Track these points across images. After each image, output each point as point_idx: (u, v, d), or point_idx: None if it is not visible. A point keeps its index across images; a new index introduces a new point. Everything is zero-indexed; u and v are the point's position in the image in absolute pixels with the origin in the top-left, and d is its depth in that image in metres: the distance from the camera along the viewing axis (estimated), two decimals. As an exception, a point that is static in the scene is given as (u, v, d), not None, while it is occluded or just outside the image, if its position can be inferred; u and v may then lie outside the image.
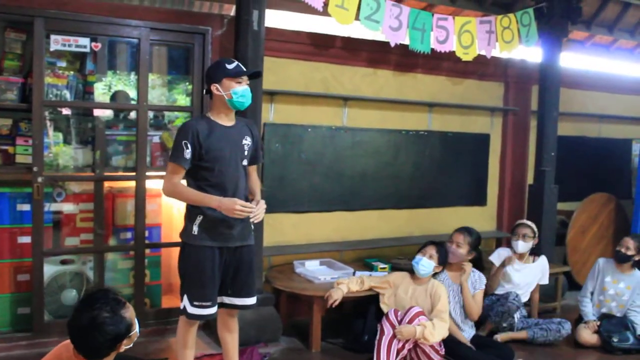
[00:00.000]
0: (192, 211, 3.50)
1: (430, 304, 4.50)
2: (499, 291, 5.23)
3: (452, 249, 4.86)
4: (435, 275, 4.75)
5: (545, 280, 5.45)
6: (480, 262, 5.02)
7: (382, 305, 4.67)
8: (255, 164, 3.77)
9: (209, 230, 3.48)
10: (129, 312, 2.63)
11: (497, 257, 5.35)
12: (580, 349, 5.05)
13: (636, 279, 5.28)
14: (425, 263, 4.60)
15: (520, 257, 5.31)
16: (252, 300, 3.72)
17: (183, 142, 3.40)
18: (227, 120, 3.54)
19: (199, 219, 3.47)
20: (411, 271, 4.71)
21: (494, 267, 5.33)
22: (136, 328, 2.68)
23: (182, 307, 3.56)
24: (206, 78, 3.56)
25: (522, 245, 5.23)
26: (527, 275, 5.31)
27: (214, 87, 3.48)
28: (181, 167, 3.44)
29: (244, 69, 3.56)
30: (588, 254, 6.87)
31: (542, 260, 5.42)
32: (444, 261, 4.73)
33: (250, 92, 3.56)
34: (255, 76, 3.69)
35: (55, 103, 4.73)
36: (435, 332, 4.23)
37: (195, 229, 3.47)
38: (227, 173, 3.49)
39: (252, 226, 3.73)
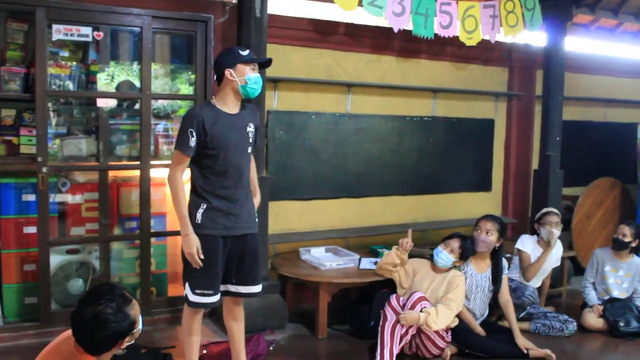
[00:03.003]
0: (196, 200, 3.50)
1: (445, 292, 4.45)
2: (519, 278, 5.24)
3: (482, 237, 4.71)
4: (456, 267, 4.66)
5: (558, 263, 5.47)
6: (501, 248, 4.93)
7: (399, 290, 4.62)
8: (253, 147, 3.75)
9: (213, 219, 3.47)
10: (134, 310, 2.60)
11: (522, 244, 5.31)
12: (586, 333, 5.06)
13: (635, 266, 5.28)
14: (445, 257, 4.52)
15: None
16: (257, 288, 3.72)
17: (189, 131, 3.38)
18: (232, 108, 3.52)
19: (203, 207, 3.47)
20: (432, 258, 4.66)
21: (523, 254, 5.27)
22: (139, 325, 2.66)
23: (184, 295, 3.57)
24: (217, 64, 3.50)
25: (557, 234, 5.25)
26: (548, 262, 5.30)
27: (228, 72, 3.44)
28: (186, 155, 3.43)
29: (256, 57, 3.58)
30: (593, 239, 6.86)
31: (559, 245, 5.41)
32: (466, 256, 4.64)
33: (262, 80, 3.55)
34: (266, 65, 3.67)
35: (58, 93, 4.73)
36: (438, 319, 4.22)
37: (199, 217, 3.47)
38: (232, 161, 3.49)
39: (257, 214, 3.73)
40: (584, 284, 5.42)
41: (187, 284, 3.54)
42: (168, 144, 5.24)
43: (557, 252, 5.38)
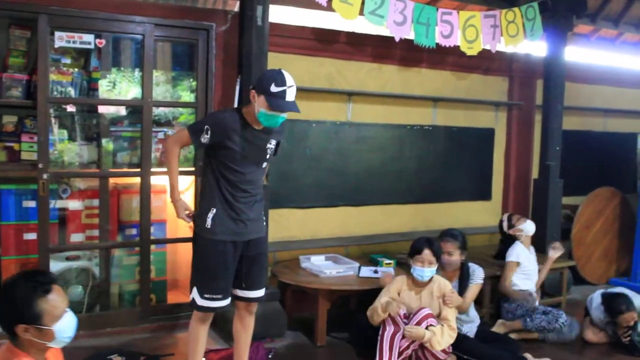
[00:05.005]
0: (206, 206, 3.52)
1: (439, 305, 4.42)
2: (524, 286, 5.21)
3: (445, 260, 4.69)
4: None
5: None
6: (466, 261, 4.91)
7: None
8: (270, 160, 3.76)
9: (223, 224, 3.49)
10: (47, 305, 2.44)
11: (517, 255, 5.28)
12: (586, 346, 5.03)
13: None
14: (427, 272, 4.42)
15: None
16: (262, 292, 3.74)
17: (206, 127, 3.42)
18: (257, 124, 3.47)
19: (213, 212, 3.49)
20: (408, 273, 4.57)
21: (510, 268, 5.24)
22: (54, 327, 2.47)
23: (190, 299, 3.57)
24: (257, 78, 3.48)
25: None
26: (532, 264, 5.32)
27: (252, 93, 3.41)
28: (191, 141, 3.50)
29: (285, 103, 3.33)
30: (593, 248, 6.86)
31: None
32: (439, 256, 4.53)
33: (283, 117, 3.41)
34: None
35: (60, 100, 4.74)
36: (442, 340, 4.20)
37: (209, 223, 3.48)
38: (246, 174, 3.50)
39: (265, 218, 3.75)
40: None
41: (194, 289, 3.54)
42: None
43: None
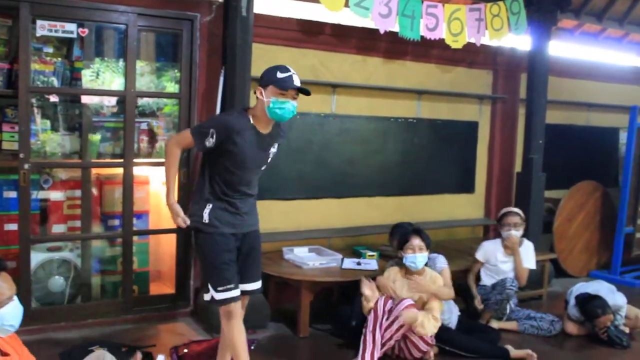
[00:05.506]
0: (201, 202, 3.48)
1: (427, 296, 4.46)
2: (488, 282, 5.27)
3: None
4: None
5: (531, 264, 5.34)
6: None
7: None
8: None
9: (220, 218, 3.46)
10: None
11: (483, 253, 5.33)
12: (567, 337, 5.07)
13: None
14: (420, 258, 4.47)
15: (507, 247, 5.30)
16: (259, 284, 3.72)
17: (212, 131, 3.34)
18: (264, 127, 3.45)
19: (209, 207, 3.46)
20: (400, 264, 4.62)
21: (476, 264, 5.33)
22: None
23: (209, 298, 3.50)
24: (260, 79, 3.46)
25: (516, 234, 5.24)
26: (514, 262, 5.31)
27: (259, 91, 3.39)
28: (193, 144, 3.44)
29: (294, 83, 3.36)
30: (574, 241, 6.93)
31: (525, 243, 5.40)
32: (429, 243, 4.58)
33: (293, 107, 3.40)
34: (304, 94, 3.46)
35: (42, 89, 4.69)
36: (427, 325, 4.25)
37: (206, 217, 3.45)
38: (244, 176, 3.48)
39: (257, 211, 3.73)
40: None
41: (209, 286, 3.48)
42: (153, 141, 5.23)
43: (522, 251, 5.30)
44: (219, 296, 3.46)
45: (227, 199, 3.47)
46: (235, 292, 3.48)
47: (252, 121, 3.42)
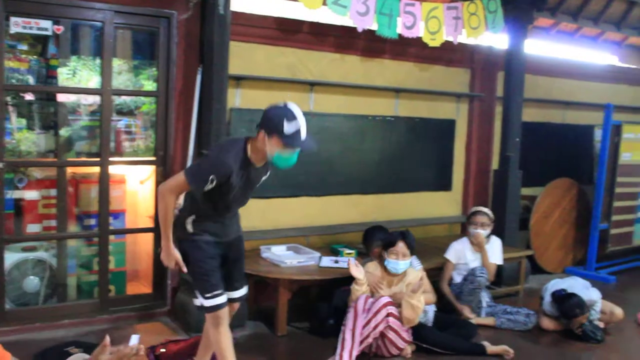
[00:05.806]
0: (184, 212, 3.45)
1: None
2: (459, 279, 5.32)
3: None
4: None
5: (498, 260, 5.41)
6: None
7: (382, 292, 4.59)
8: None
9: (204, 228, 3.41)
10: None
11: (453, 253, 5.38)
12: (542, 333, 5.12)
13: None
14: (402, 265, 4.53)
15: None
16: (245, 290, 3.70)
17: (211, 176, 3.19)
18: (260, 161, 3.37)
19: (192, 217, 3.41)
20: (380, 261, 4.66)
21: (448, 264, 5.37)
22: None
23: (199, 305, 3.46)
24: (262, 118, 3.25)
25: (483, 233, 5.30)
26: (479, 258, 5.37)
27: (261, 135, 3.22)
28: (191, 189, 3.32)
29: (300, 141, 3.22)
30: (551, 238, 7.01)
31: (492, 240, 5.47)
32: (414, 247, 4.64)
33: (295, 155, 3.31)
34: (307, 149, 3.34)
35: (17, 87, 4.65)
36: (418, 311, 4.33)
37: (189, 228, 3.41)
38: (230, 205, 3.43)
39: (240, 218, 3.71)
40: None
41: (197, 293, 3.44)
42: (130, 140, 5.19)
43: (489, 248, 5.37)
44: (208, 303, 3.42)
45: (214, 217, 3.43)
46: (223, 299, 3.46)
47: (249, 154, 3.31)
